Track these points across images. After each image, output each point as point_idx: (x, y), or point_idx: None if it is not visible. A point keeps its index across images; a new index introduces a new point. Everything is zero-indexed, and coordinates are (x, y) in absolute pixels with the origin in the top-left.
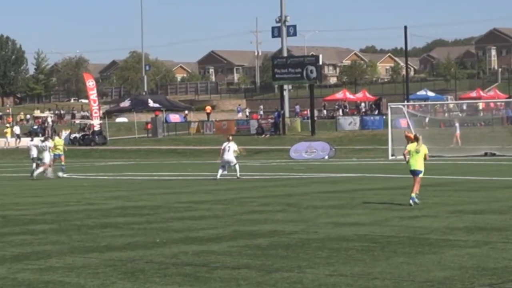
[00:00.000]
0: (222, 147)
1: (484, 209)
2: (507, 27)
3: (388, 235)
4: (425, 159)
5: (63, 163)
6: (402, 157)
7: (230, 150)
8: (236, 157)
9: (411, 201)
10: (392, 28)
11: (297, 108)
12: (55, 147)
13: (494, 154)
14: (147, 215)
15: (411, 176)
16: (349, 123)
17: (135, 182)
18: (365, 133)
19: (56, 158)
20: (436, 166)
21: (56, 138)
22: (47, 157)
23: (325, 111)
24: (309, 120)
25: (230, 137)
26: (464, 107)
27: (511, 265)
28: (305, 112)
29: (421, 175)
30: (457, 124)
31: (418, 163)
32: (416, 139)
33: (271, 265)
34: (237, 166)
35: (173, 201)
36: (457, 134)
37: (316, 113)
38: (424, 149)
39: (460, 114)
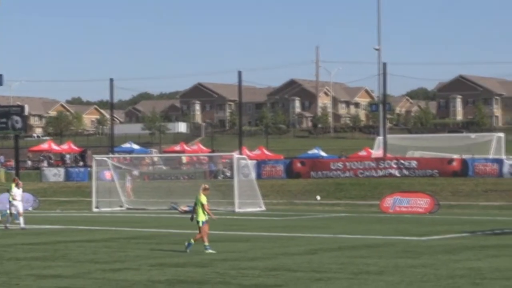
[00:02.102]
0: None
1: (185, 262)
2: (211, 82)
3: None
4: (204, 208)
5: None
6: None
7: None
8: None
9: (208, 251)
10: (98, 80)
11: (2, 158)
12: None
13: None
14: None
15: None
16: (54, 174)
17: None
18: (70, 185)
19: None
20: (140, 218)
21: None
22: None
23: (30, 162)
24: (14, 171)
25: None
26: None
27: None
28: (10, 163)
29: (200, 225)
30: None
31: (199, 214)
32: (200, 190)
33: None
34: None
35: None
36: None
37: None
38: (202, 199)
39: (164, 168)
